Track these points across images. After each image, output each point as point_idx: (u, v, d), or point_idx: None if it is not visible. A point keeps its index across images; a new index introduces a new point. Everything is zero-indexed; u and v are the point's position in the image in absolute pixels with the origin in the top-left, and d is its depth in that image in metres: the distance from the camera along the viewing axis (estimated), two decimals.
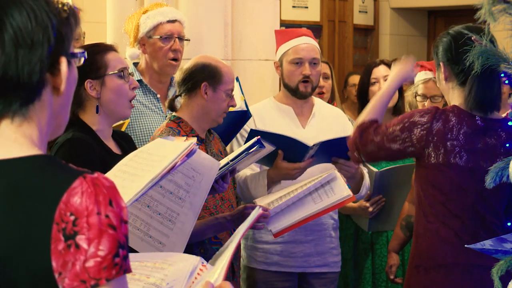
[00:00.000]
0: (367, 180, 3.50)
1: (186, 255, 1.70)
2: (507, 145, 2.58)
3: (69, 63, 1.33)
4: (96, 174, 1.24)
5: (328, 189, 3.19)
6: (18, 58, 1.25)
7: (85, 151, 2.47)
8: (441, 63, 2.78)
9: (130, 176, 2.05)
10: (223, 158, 3.18)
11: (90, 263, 1.19)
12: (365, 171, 3.52)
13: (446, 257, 2.69)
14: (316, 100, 3.68)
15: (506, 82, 2.49)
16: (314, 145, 3.19)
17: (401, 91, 3.94)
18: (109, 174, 2.11)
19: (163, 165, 2.01)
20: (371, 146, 2.77)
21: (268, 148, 2.99)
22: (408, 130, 2.71)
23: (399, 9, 8.62)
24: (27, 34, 1.26)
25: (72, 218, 1.20)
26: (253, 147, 2.82)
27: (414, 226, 2.84)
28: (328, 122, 3.57)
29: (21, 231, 1.21)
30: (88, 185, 1.22)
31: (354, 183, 3.45)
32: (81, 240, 1.19)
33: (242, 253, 3.59)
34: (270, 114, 3.54)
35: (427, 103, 3.88)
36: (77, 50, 1.36)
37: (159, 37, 3.49)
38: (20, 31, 1.25)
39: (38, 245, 1.20)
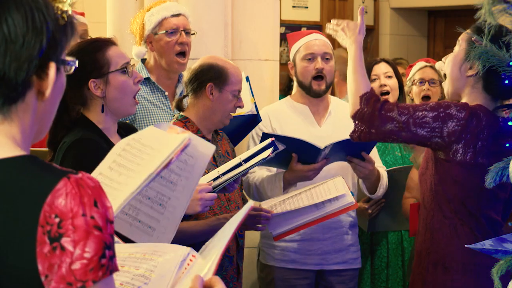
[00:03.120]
0: (384, 181, 3.49)
1: (176, 245, 1.69)
2: (507, 145, 2.57)
3: (58, 69, 1.32)
4: (80, 174, 1.23)
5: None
6: (7, 54, 1.24)
7: (96, 151, 2.40)
8: (477, 64, 2.58)
9: (126, 171, 2.03)
10: (230, 159, 3.18)
11: (76, 265, 1.19)
12: (382, 171, 3.51)
13: (464, 255, 2.65)
14: (332, 98, 3.68)
15: (506, 82, 2.49)
16: (326, 147, 3.19)
17: (401, 87, 3.96)
18: (104, 167, 2.09)
19: (158, 161, 1.99)
20: (392, 124, 2.68)
21: (280, 147, 2.97)
22: (442, 120, 2.63)
23: (399, 9, 8.63)
24: (20, 32, 1.25)
25: (57, 220, 1.19)
26: (267, 150, 2.78)
27: (427, 220, 2.77)
28: (345, 120, 3.55)
29: (6, 234, 1.20)
30: (72, 186, 1.21)
31: (370, 183, 3.45)
32: (67, 242, 1.19)
33: (260, 251, 3.60)
34: (286, 114, 3.55)
35: (425, 87, 3.96)
36: (68, 58, 1.35)
37: (164, 31, 3.48)
38: (14, 27, 1.25)
39: (23, 248, 1.19)
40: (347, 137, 3.24)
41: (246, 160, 2.77)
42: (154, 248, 1.69)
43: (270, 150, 2.78)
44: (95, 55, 2.51)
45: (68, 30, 1.34)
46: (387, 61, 4.00)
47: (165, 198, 2.21)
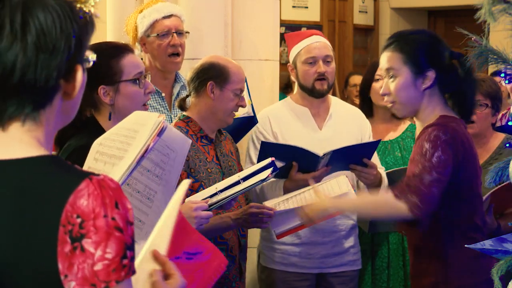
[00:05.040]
0: (385, 183, 3.47)
1: None
2: (507, 145, 2.58)
3: (83, 70, 1.34)
4: (102, 176, 1.24)
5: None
6: (38, 62, 1.25)
7: None
8: (430, 71, 2.71)
9: (109, 159, 2.04)
10: (234, 159, 3.18)
11: (99, 267, 1.20)
12: (383, 173, 3.48)
13: (486, 270, 2.51)
14: (333, 99, 3.66)
15: (506, 82, 2.49)
16: (324, 154, 3.18)
17: None
18: (90, 159, 2.10)
19: (137, 147, 1.99)
20: (429, 191, 2.60)
21: (279, 165, 2.96)
22: (441, 168, 2.62)
23: (399, 9, 8.63)
24: (50, 40, 1.25)
25: (79, 220, 1.20)
26: (267, 170, 2.76)
27: (436, 251, 2.73)
28: (345, 122, 3.55)
29: (28, 233, 1.21)
30: (94, 187, 1.22)
31: (373, 188, 3.41)
32: (87, 243, 1.20)
33: (260, 253, 3.60)
34: (287, 117, 3.53)
35: None
36: (88, 54, 1.36)
37: (156, 34, 3.47)
38: (44, 35, 1.25)
39: (44, 247, 1.20)
40: (346, 143, 3.24)
41: (245, 179, 2.76)
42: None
43: (269, 171, 2.78)
44: (109, 61, 2.44)
45: (89, 28, 1.34)
46: None
47: (152, 192, 2.21)
